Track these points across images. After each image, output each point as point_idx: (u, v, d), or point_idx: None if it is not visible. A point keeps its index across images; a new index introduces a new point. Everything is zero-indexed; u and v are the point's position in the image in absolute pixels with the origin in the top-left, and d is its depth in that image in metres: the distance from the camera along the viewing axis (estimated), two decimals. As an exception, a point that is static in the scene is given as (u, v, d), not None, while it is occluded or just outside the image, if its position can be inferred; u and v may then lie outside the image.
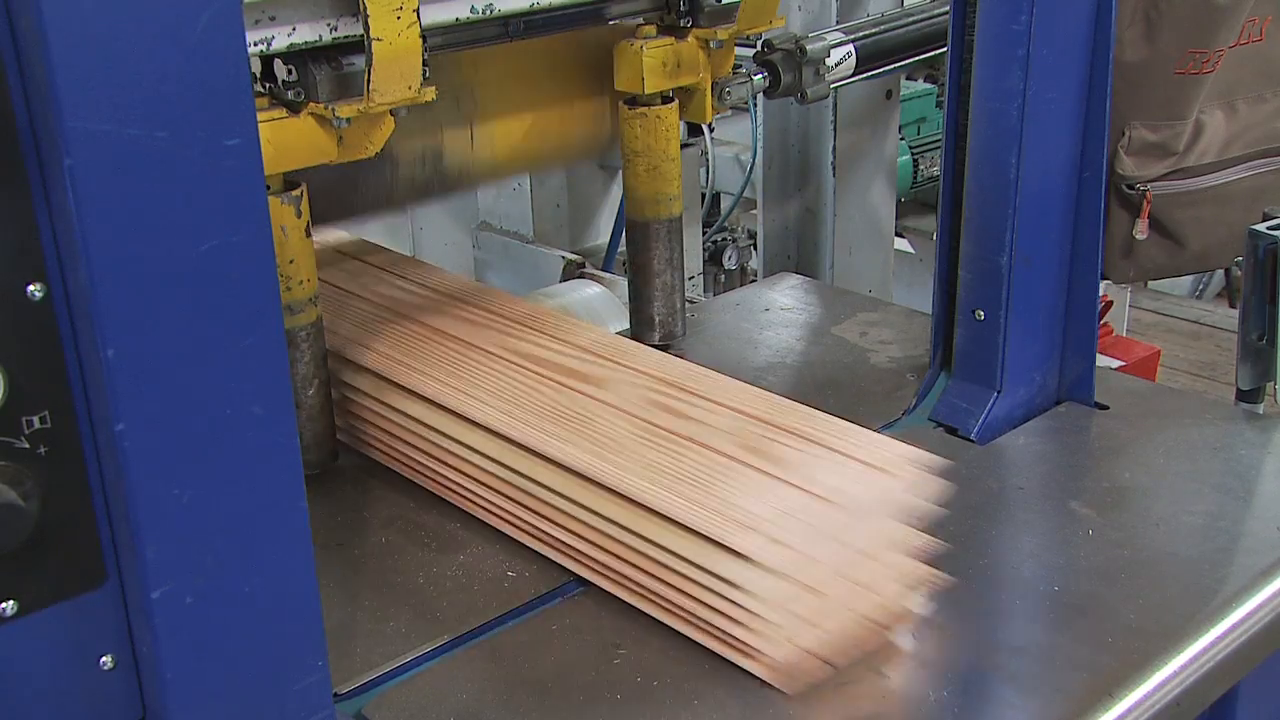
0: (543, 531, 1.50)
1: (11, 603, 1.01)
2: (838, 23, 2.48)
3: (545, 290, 2.40)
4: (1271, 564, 1.45)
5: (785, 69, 2.18)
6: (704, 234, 3.17)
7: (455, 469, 1.59)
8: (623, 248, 3.28)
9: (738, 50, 1.99)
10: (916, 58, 2.44)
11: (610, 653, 1.36)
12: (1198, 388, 4.37)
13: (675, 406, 1.52)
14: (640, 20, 1.88)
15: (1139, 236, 2.20)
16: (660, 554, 1.35)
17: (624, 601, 1.41)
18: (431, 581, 1.49)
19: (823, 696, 1.27)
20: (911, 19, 2.39)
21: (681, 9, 1.87)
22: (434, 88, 1.56)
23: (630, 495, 1.37)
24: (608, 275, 2.88)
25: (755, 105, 2.75)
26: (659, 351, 1.69)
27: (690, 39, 1.89)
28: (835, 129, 2.60)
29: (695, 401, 1.53)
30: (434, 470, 1.62)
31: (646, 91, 1.86)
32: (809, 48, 2.19)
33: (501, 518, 1.54)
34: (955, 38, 1.69)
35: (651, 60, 1.85)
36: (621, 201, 3.20)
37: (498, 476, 1.53)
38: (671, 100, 1.91)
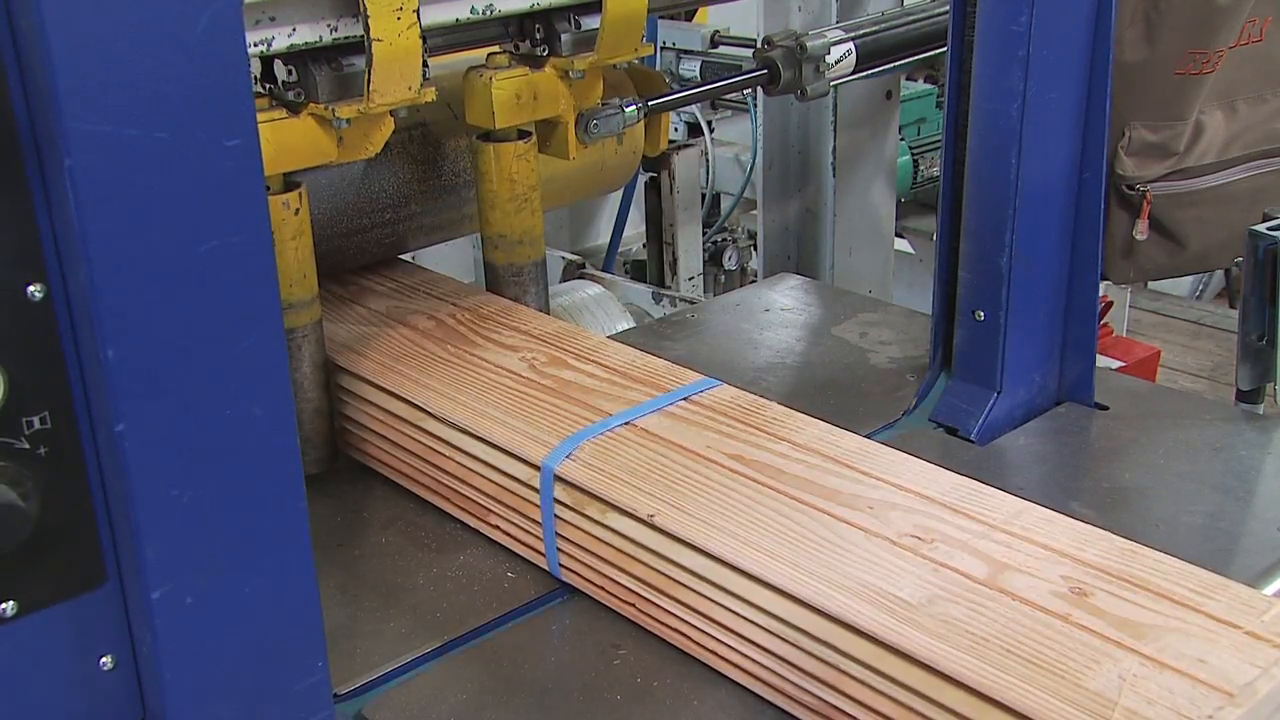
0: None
1: (11, 603, 1.01)
2: (838, 21, 2.48)
3: (545, 291, 2.40)
4: (1271, 564, 1.45)
5: (785, 66, 2.18)
6: (704, 234, 3.17)
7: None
8: (623, 248, 3.30)
9: (736, 50, 1.97)
10: (916, 57, 2.44)
11: (610, 653, 1.36)
12: (1198, 388, 4.37)
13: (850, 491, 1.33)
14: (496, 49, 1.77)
15: (1139, 237, 2.21)
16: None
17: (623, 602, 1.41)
18: (431, 582, 1.49)
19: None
20: (911, 18, 2.39)
21: (537, 37, 1.75)
22: (434, 88, 1.56)
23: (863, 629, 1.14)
24: (608, 276, 2.89)
25: (755, 105, 2.75)
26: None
27: (548, 69, 1.75)
28: (835, 129, 2.60)
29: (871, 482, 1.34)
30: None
31: (498, 127, 1.73)
32: (809, 45, 2.19)
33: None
34: (955, 38, 1.69)
35: (502, 93, 1.71)
36: (621, 202, 3.22)
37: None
38: (529, 135, 1.80)
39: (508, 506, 1.50)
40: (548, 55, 1.76)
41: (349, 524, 1.61)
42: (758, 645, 1.25)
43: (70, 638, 1.05)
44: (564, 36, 1.75)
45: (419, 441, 1.60)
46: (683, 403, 1.53)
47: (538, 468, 1.43)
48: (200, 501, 1.02)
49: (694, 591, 1.30)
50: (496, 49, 1.77)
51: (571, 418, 1.50)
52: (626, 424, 1.49)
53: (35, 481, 0.99)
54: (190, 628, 1.05)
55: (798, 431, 1.47)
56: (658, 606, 1.35)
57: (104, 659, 1.08)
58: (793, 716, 1.25)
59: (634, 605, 1.38)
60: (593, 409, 1.52)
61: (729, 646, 1.28)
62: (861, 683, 1.16)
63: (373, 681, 1.33)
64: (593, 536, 1.39)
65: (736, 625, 1.27)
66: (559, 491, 1.42)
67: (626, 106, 1.89)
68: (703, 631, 1.31)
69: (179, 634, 1.04)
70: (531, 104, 1.75)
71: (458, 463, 1.55)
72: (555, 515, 1.43)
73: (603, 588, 1.41)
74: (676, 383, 1.58)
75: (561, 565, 1.45)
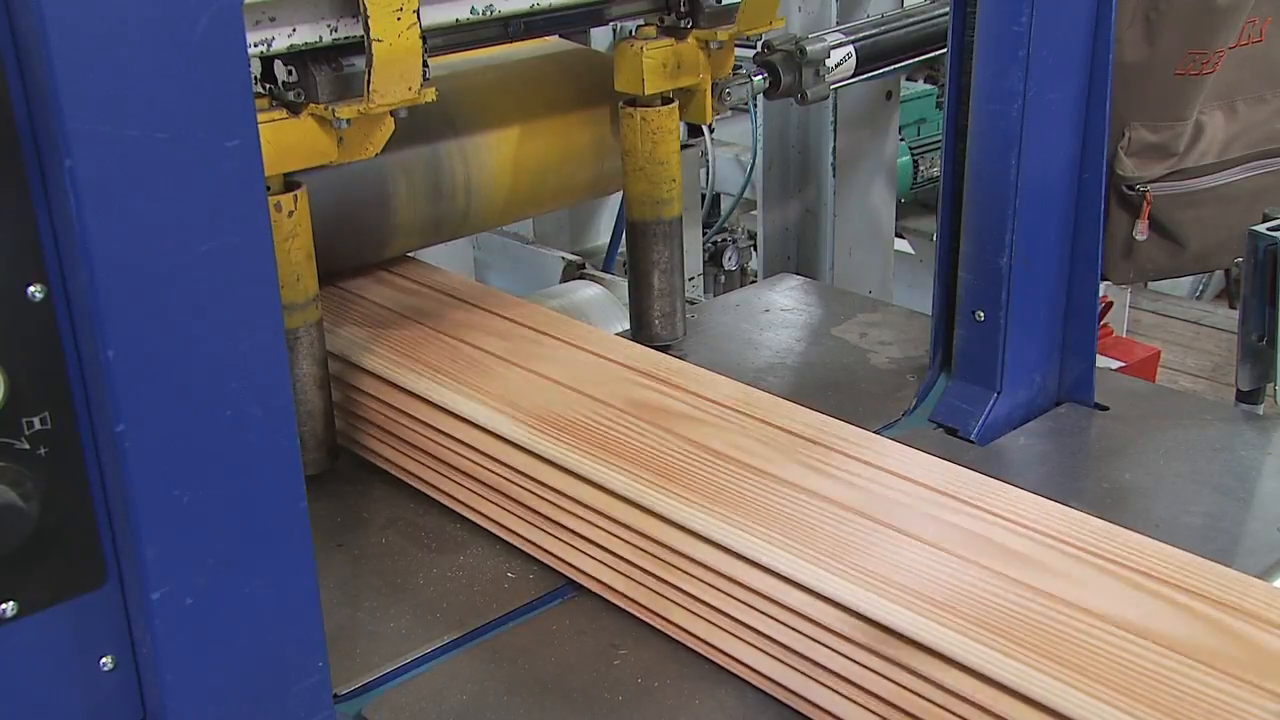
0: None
1: (12, 604, 1.01)
2: (838, 24, 2.48)
3: (545, 291, 2.40)
4: (1271, 565, 1.45)
5: (785, 70, 2.19)
6: (704, 235, 3.17)
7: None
8: (623, 248, 3.29)
9: (738, 51, 2.00)
10: (916, 59, 2.44)
11: (610, 653, 1.36)
12: (1198, 389, 4.37)
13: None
14: (641, 21, 1.87)
15: (1139, 237, 2.21)
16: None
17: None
18: (432, 582, 1.49)
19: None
20: (911, 20, 2.40)
21: (681, 10, 1.86)
22: (434, 89, 1.56)
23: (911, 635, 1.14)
24: (608, 276, 2.88)
25: (755, 106, 2.75)
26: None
27: (690, 40, 1.87)
28: (835, 130, 2.60)
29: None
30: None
31: (646, 93, 1.85)
32: (809, 49, 2.19)
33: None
34: (955, 39, 1.69)
35: (651, 61, 1.84)
36: (621, 202, 3.22)
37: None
38: (671, 101, 1.90)
39: (522, 504, 1.50)
40: (690, 27, 1.87)
41: (349, 524, 1.61)
42: (765, 635, 1.26)
43: (70, 638, 1.05)
44: (706, 9, 1.86)
45: (427, 437, 1.61)
46: (708, 403, 1.54)
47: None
48: (200, 501, 1.02)
49: (702, 581, 1.31)
50: (641, 22, 1.87)
51: (581, 413, 1.51)
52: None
53: (35, 482, 0.99)
54: (190, 628, 1.05)
55: (803, 423, 1.48)
56: (663, 598, 1.35)
57: (104, 659, 1.08)
58: (794, 715, 1.25)
59: (638, 601, 1.38)
60: (603, 403, 1.53)
61: (736, 638, 1.29)
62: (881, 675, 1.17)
63: (373, 681, 1.33)
64: (600, 529, 1.40)
65: (745, 616, 1.27)
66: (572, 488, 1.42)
67: (754, 76, 2.05)
68: (709, 623, 1.31)
69: (179, 634, 1.04)
70: (675, 72, 1.87)
71: (469, 459, 1.55)
72: (569, 511, 1.44)
73: (602, 579, 1.41)
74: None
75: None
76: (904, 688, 1.15)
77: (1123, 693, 1.05)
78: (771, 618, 1.25)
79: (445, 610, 1.43)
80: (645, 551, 1.36)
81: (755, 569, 1.25)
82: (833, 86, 2.28)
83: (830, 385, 1.91)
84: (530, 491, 1.48)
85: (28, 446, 0.98)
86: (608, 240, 3.23)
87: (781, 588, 1.23)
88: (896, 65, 2.42)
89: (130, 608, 1.07)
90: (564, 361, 1.65)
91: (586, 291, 2.38)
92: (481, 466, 1.54)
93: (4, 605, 1.01)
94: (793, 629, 1.23)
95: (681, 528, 1.32)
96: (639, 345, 1.71)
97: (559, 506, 1.44)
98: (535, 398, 1.56)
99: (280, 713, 1.12)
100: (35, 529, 0.99)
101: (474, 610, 1.43)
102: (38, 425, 0.99)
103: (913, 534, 1.27)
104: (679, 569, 1.33)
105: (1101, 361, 1.90)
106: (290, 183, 1.58)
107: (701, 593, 1.31)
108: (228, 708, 1.09)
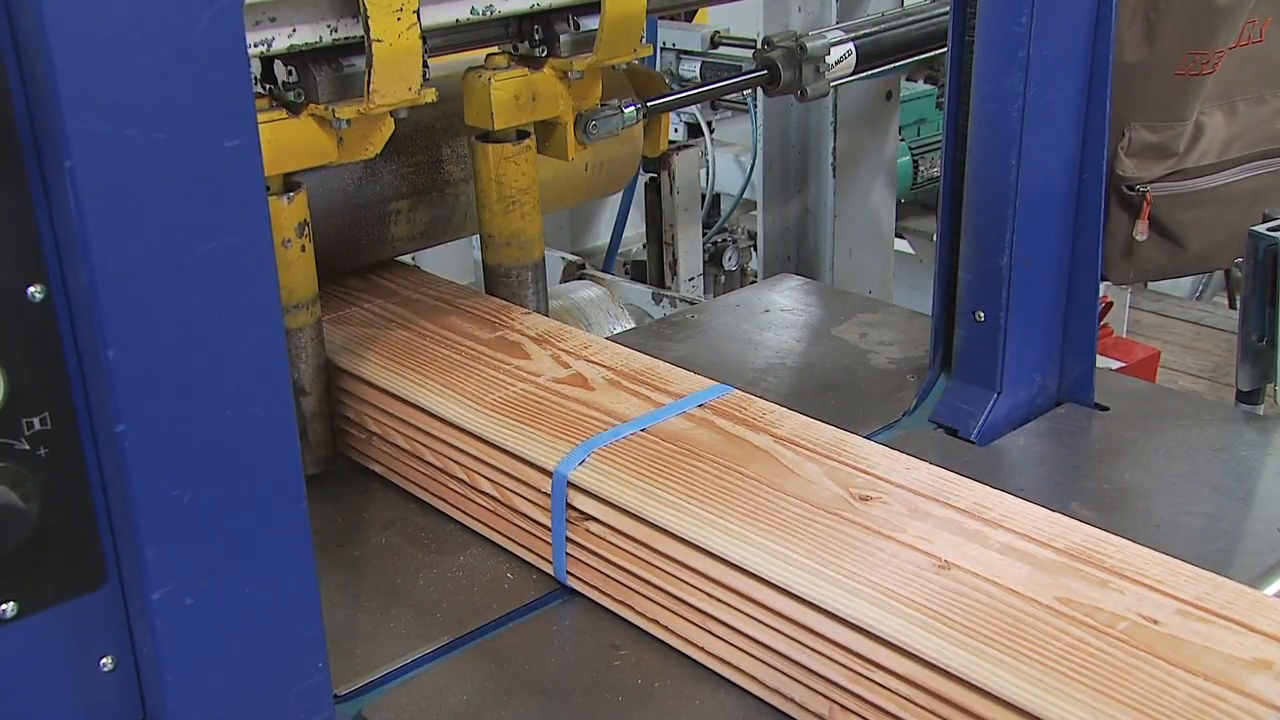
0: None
1: (12, 604, 1.01)
2: (838, 22, 2.48)
3: (545, 291, 2.39)
4: (1272, 565, 1.45)
5: (785, 66, 2.18)
6: (704, 235, 3.17)
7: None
8: (623, 249, 3.30)
9: (736, 51, 1.97)
10: (916, 58, 2.44)
11: (610, 653, 1.36)
12: (1198, 388, 4.37)
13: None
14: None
15: (1139, 238, 2.21)
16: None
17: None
18: (432, 583, 1.49)
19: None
20: (911, 19, 2.39)
21: (535, 38, 1.75)
22: (434, 89, 1.56)
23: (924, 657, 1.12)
24: (608, 276, 2.88)
25: (755, 106, 2.75)
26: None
27: (546, 70, 1.75)
28: (835, 130, 2.60)
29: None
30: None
31: (496, 127, 1.73)
32: (809, 45, 2.19)
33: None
34: (955, 38, 1.69)
35: (501, 93, 1.71)
36: (621, 203, 3.23)
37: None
38: (527, 136, 1.80)
39: (517, 511, 1.49)
40: (546, 56, 1.76)
41: (349, 524, 1.61)
42: (776, 651, 1.25)
43: (70, 639, 1.05)
44: (563, 37, 1.75)
45: (423, 445, 1.60)
46: (696, 409, 1.53)
47: (549, 473, 1.43)
48: (200, 502, 1.02)
49: (712, 598, 1.30)
50: (495, 50, 1.78)
51: (581, 422, 1.50)
52: (642, 430, 1.48)
53: (35, 482, 0.99)
54: (190, 628, 1.05)
55: (812, 439, 1.46)
56: (671, 613, 1.34)
57: (104, 660, 1.07)
58: (793, 717, 1.25)
59: (644, 613, 1.37)
60: (605, 412, 1.52)
61: (743, 652, 1.28)
62: (881, 686, 1.16)
63: (373, 682, 1.33)
64: (609, 543, 1.39)
65: (753, 630, 1.26)
66: (572, 498, 1.41)
67: (625, 107, 1.89)
68: (717, 637, 1.30)
69: (179, 635, 1.04)
70: (530, 105, 1.75)
71: (466, 467, 1.55)
72: (567, 521, 1.42)
73: (613, 595, 1.40)
74: (689, 388, 1.58)
75: (570, 573, 1.44)
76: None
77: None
78: (786, 636, 1.24)
79: (445, 611, 1.43)
80: (656, 568, 1.34)
81: (772, 589, 1.24)
82: (833, 84, 2.27)
83: (830, 386, 1.90)
84: (534, 504, 1.47)
85: (28, 446, 0.98)
86: (608, 240, 3.23)
87: (798, 607, 1.22)
88: (896, 64, 2.42)
89: (130, 608, 1.07)
90: (566, 368, 1.65)
91: (586, 292, 2.38)
92: (481, 477, 1.53)
93: (4, 605, 1.01)
94: (806, 646, 1.22)
95: (695, 546, 1.30)
96: (639, 353, 1.69)
97: (569, 523, 1.43)
98: (534, 407, 1.55)
99: (280, 713, 1.12)
100: (35, 529, 0.99)
101: (474, 611, 1.43)
102: (38, 425, 0.99)
103: (922, 549, 1.26)
104: (689, 584, 1.31)
105: (1101, 362, 1.90)
106: (290, 182, 1.58)
107: (713, 609, 1.30)
108: (228, 708, 1.09)
